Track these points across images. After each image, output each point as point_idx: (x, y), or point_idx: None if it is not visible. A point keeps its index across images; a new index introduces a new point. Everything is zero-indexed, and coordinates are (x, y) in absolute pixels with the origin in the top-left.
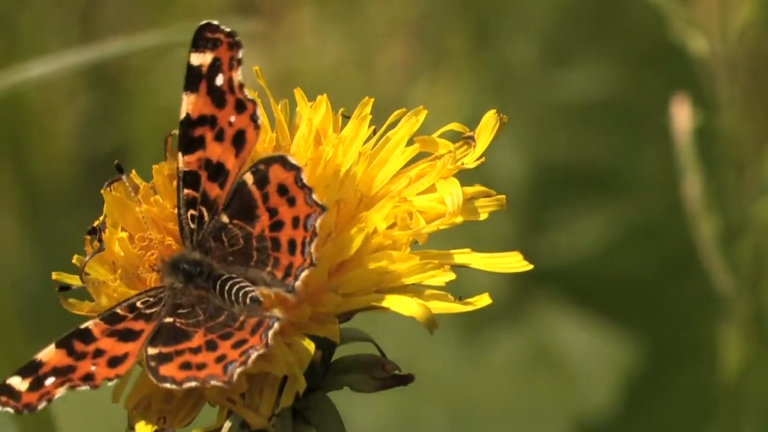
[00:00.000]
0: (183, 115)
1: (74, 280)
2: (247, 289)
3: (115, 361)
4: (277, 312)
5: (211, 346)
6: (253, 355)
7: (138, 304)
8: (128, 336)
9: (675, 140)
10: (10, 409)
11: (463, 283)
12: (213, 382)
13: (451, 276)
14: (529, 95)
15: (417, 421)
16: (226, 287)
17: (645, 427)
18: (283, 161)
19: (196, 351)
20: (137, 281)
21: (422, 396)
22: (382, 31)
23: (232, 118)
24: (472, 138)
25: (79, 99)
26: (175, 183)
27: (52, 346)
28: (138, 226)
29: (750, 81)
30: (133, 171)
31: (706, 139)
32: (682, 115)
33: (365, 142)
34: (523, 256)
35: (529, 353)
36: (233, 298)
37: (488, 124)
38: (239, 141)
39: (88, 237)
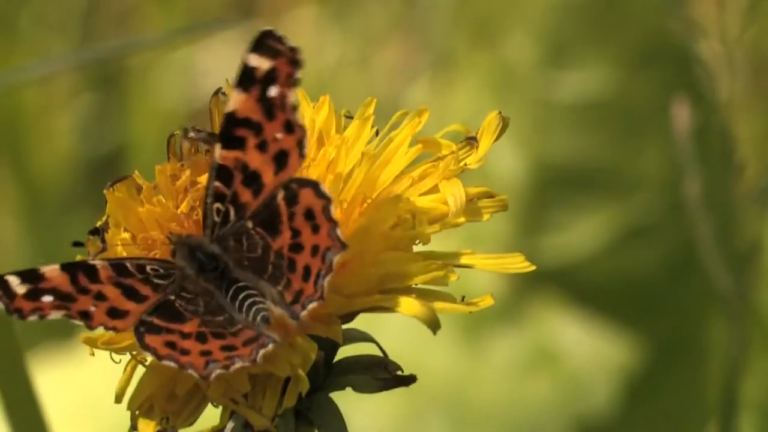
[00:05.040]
0: (229, 109)
1: None
2: (261, 306)
3: (115, 313)
4: (275, 334)
5: (201, 338)
6: (237, 364)
7: (148, 268)
8: (133, 295)
9: (675, 140)
10: (2, 305)
11: (463, 284)
12: (190, 371)
13: (454, 277)
14: (529, 95)
15: (417, 422)
16: (240, 296)
17: (645, 427)
18: (315, 187)
19: (185, 336)
20: None
21: (423, 396)
22: (382, 31)
23: (279, 135)
24: (474, 139)
25: (79, 99)
26: (177, 183)
27: (56, 266)
28: (141, 226)
29: (750, 81)
30: (136, 171)
31: (706, 138)
32: (683, 115)
33: (368, 143)
34: (523, 256)
35: (529, 353)
36: (244, 309)
37: (491, 124)
38: (281, 160)
39: (91, 237)
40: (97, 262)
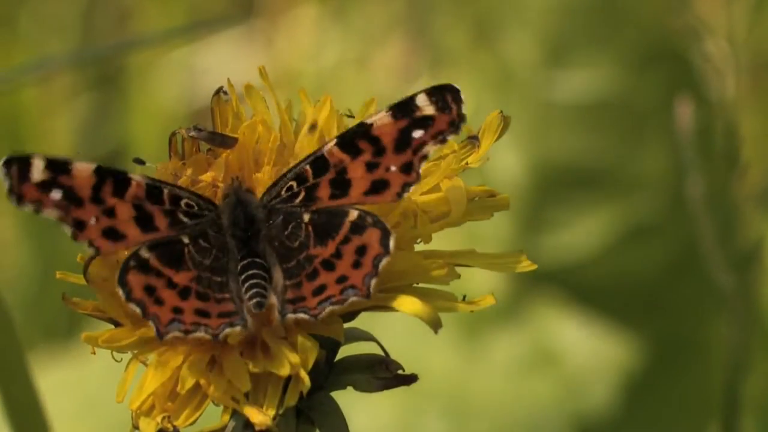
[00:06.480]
0: (369, 121)
1: (78, 279)
2: (263, 291)
3: (110, 234)
4: (250, 320)
5: (184, 293)
6: (197, 333)
7: (183, 202)
8: (144, 222)
9: (677, 140)
10: (6, 184)
11: (463, 283)
12: (150, 323)
13: (456, 276)
14: (530, 95)
15: (418, 420)
16: (250, 271)
17: (644, 426)
18: (384, 235)
19: (170, 285)
20: None
21: (423, 395)
22: (382, 31)
23: (393, 168)
24: (476, 138)
25: (79, 99)
26: (179, 182)
27: (91, 166)
28: None
29: (750, 80)
30: (137, 169)
31: (708, 138)
32: (685, 115)
33: None
34: (525, 255)
35: (529, 353)
36: (246, 285)
37: (492, 124)
38: (378, 187)
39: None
40: (135, 177)
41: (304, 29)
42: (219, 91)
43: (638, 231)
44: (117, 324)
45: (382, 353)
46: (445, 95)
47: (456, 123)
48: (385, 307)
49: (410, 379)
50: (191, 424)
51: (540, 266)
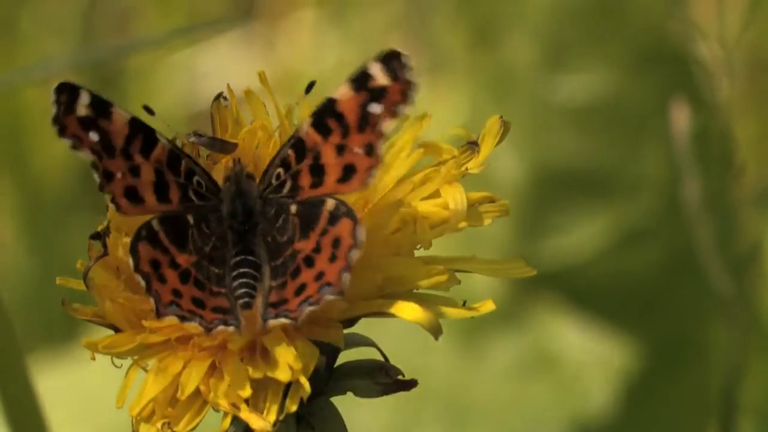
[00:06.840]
0: (334, 96)
1: (78, 285)
2: (250, 291)
3: (131, 194)
4: (243, 322)
5: (184, 276)
6: (191, 322)
7: (195, 179)
8: (161, 190)
9: (674, 142)
10: (54, 110)
11: (462, 286)
12: (151, 300)
13: (456, 282)
14: (529, 97)
15: (418, 423)
16: (241, 269)
17: (643, 428)
18: (354, 225)
19: (173, 266)
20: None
21: (423, 399)
22: (381, 33)
23: (358, 150)
24: (475, 143)
25: None
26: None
27: (128, 114)
28: None
29: (747, 82)
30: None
31: (705, 141)
32: (681, 118)
33: None
34: (524, 261)
35: (528, 356)
36: (236, 284)
37: (492, 129)
38: (347, 173)
39: (92, 242)
40: (162, 139)
41: (304, 32)
42: (219, 96)
43: (636, 233)
44: (117, 330)
45: (382, 358)
46: (393, 63)
47: (407, 92)
48: (385, 314)
49: (410, 384)
50: (191, 430)
51: (539, 269)
